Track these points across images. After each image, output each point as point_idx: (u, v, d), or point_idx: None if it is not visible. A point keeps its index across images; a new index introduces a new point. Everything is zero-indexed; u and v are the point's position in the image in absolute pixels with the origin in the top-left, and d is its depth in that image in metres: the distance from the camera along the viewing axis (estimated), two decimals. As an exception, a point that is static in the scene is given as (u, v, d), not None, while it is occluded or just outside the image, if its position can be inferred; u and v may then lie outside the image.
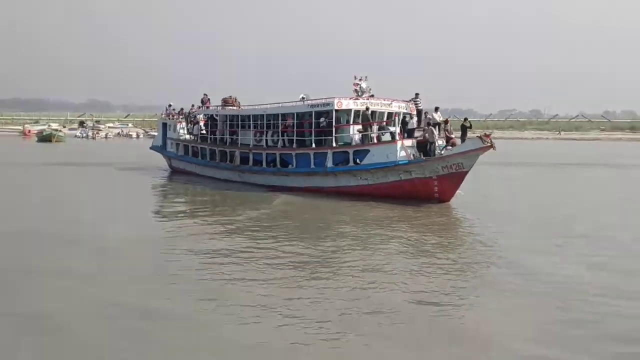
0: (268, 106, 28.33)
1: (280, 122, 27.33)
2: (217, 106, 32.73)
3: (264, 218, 20.11)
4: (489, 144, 21.36)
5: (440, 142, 23.33)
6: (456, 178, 22.28)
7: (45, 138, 66.69)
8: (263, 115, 28.36)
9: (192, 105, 35.54)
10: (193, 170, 32.94)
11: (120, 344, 9.08)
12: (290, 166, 26.37)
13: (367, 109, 24.72)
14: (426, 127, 23.79)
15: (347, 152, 24.40)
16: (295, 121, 26.61)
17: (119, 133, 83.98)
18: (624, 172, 37.03)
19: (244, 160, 28.75)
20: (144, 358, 8.80)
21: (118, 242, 15.91)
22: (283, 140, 27.16)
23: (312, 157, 25.31)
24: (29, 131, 76.83)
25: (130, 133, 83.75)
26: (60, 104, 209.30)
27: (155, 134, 43.82)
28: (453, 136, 23.30)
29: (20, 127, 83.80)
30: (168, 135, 35.77)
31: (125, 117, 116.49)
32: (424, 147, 23.19)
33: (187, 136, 34.25)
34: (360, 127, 24.87)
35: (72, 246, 15.44)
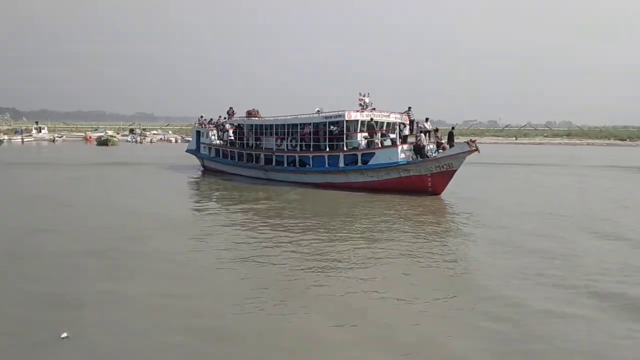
0: (288, 117, 27.30)
1: (299, 130, 26.30)
2: (242, 117, 31.70)
3: (286, 202, 19.72)
4: (474, 148, 20.65)
5: (431, 146, 22.48)
6: (447, 175, 21.51)
7: (103, 142, 65.82)
8: (284, 124, 27.41)
9: (219, 116, 34.61)
10: (223, 169, 31.77)
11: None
12: (307, 166, 25.41)
13: (372, 119, 23.87)
14: (418, 134, 22.84)
15: (356, 155, 23.48)
16: (311, 129, 25.61)
17: (161, 138, 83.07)
18: (553, 169, 36.19)
19: (268, 161, 27.77)
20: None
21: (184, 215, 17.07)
22: (301, 145, 26.15)
23: (326, 158, 24.41)
24: (90, 137, 75.99)
25: (170, 139, 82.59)
26: (115, 116, 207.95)
27: (190, 139, 42.54)
28: (443, 142, 22.33)
29: (83, 134, 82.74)
30: (201, 141, 34.67)
31: (166, 125, 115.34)
32: (419, 150, 22.24)
33: (218, 141, 33.08)
34: (365, 134, 23.98)
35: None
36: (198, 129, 35.63)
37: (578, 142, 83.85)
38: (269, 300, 8.66)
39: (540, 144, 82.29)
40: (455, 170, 21.38)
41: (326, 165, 24.34)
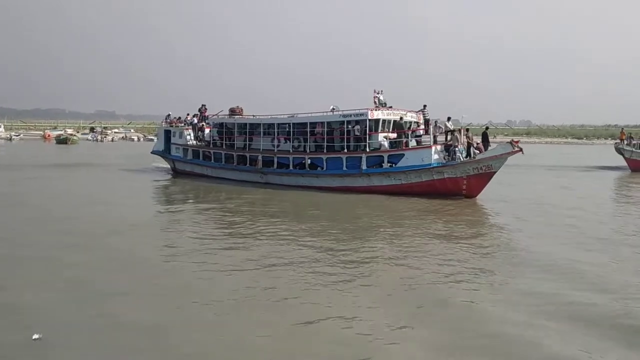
0: (293, 115, 24.00)
1: (308, 129, 23.08)
2: (226, 115, 27.72)
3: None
4: (518, 149, 18.62)
5: (459, 146, 19.99)
6: (485, 177, 19.42)
7: (62, 141, 60.86)
8: (288, 124, 24.03)
9: (187, 114, 30.34)
10: (204, 172, 27.37)
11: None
12: (319, 168, 22.33)
13: (401, 118, 21.45)
14: (452, 135, 20.46)
15: (381, 156, 20.78)
16: (325, 129, 22.58)
17: (123, 137, 79.06)
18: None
19: (267, 163, 24.19)
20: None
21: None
22: (311, 145, 23.00)
23: (344, 160, 21.51)
24: (49, 135, 70.61)
25: (132, 137, 78.61)
26: (75, 114, 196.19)
27: (153, 138, 37.47)
28: (478, 142, 19.84)
29: (41, 132, 76.91)
30: (172, 141, 29.79)
31: (128, 124, 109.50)
32: (449, 150, 19.93)
33: (194, 142, 28.69)
34: (386, 134, 21.38)
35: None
36: (168, 128, 30.67)
37: (537, 140, 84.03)
38: None
39: (501, 142, 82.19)
40: (495, 172, 19.29)
41: (344, 168, 21.46)
